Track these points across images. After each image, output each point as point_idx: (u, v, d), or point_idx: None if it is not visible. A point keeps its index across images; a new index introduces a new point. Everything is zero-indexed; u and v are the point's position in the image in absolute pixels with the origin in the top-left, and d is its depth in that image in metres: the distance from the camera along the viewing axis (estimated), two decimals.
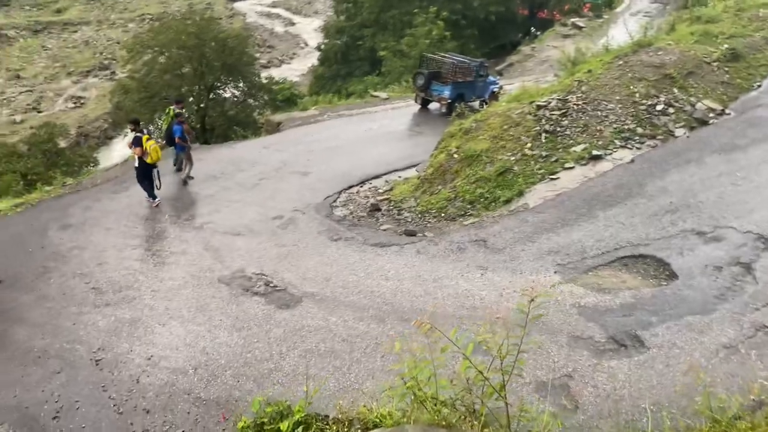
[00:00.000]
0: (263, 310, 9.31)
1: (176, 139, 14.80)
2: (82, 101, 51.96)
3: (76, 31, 65.07)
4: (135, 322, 9.13)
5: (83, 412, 7.38)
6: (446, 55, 24.72)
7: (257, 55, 40.79)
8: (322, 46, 48.07)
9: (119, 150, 33.35)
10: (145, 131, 13.67)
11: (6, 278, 10.35)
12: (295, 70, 53.86)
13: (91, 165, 30.79)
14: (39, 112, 49.23)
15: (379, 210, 13.24)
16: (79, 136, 44.68)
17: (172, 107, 15.75)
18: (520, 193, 12.50)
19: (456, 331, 3.83)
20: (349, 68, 43.12)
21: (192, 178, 15.08)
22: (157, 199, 13.67)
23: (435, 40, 34.27)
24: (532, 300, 4.03)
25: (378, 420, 3.93)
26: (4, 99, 51.67)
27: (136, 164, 13.28)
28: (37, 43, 61.63)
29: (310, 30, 64.28)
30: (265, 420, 4.19)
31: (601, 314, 8.53)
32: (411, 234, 11.91)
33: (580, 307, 8.73)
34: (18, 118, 47.86)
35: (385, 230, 12.24)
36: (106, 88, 46.68)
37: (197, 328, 8.93)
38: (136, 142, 13.11)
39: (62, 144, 36.07)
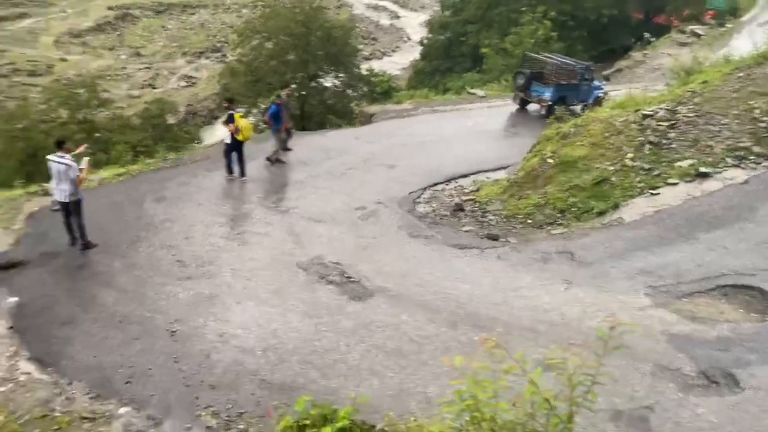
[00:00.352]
0: (336, 300, 9.28)
1: (266, 117, 15.28)
2: (193, 81, 54.58)
3: (194, 14, 68.57)
4: (213, 298, 9.36)
5: (154, 380, 7.63)
6: (550, 56, 23.82)
7: (360, 46, 41.27)
8: (425, 41, 47.90)
9: (223, 129, 34.71)
10: (238, 109, 14.10)
11: (102, 243, 10.91)
12: (396, 63, 54.01)
13: (196, 142, 32.29)
14: (154, 88, 52.16)
15: (462, 210, 12.92)
16: (188, 114, 47.01)
17: (280, 92, 16.26)
18: (616, 206, 11.80)
19: (523, 354, 3.53)
20: (449, 64, 42.71)
21: (283, 162, 15.41)
22: (233, 175, 14.20)
23: (540, 40, 33.19)
24: (613, 328, 3.65)
25: None
26: (125, 74, 55.14)
27: (228, 140, 13.83)
28: (158, 23, 65.47)
29: (415, 24, 64.25)
30: (308, 422, 4.05)
31: (693, 345, 7.86)
32: (494, 238, 11.52)
33: (670, 335, 8.08)
34: (135, 92, 50.93)
35: (466, 231, 11.92)
36: (216, 70, 48.82)
37: (271, 310, 9.03)
38: (230, 119, 13.68)
39: (171, 120, 38.05)
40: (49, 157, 10.50)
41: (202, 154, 16.46)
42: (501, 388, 3.70)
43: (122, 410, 7.19)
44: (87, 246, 10.80)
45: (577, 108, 21.23)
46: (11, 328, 8.60)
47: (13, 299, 9.21)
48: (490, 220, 12.55)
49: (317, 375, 7.68)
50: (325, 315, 8.89)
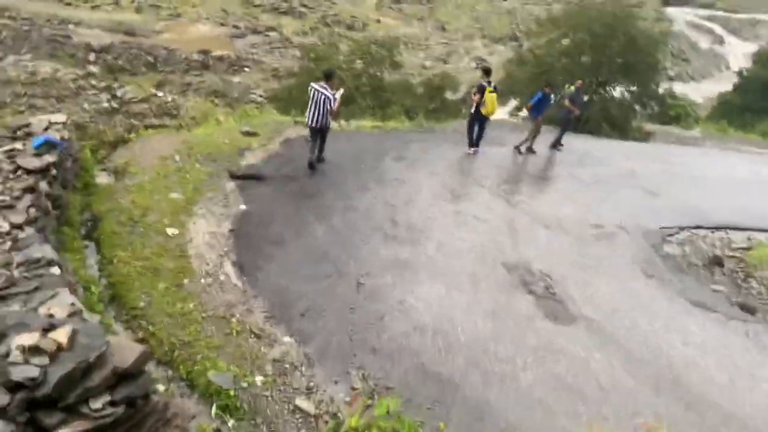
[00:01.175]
0: (529, 312, 8.34)
1: (527, 105, 14.72)
2: (483, 64, 55.40)
3: (505, 0, 69.21)
4: (409, 264, 9.10)
5: (324, 321, 7.63)
6: None
7: (667, 64, 37.38)
8: (744, 72, 41.56)
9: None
10: (492, 83, 13.58)
11: (334, 182, 11.40)
12: (703, 91, 48.02)
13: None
14: (445, 63, 54.14)
15: (720, 265, 10.71)
16: (467, 93, 47.84)
17: (570, 86, 15.74)
18: None
19: None
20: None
21: (533, 152, 14.67)
22: (473, 149, 14.10)
23: None
24: None
25: None
26: (425, 45, 58.21)
27: (473, 110, 13.68)
28: (469, 3, 67.46)
29: (739, 53, 56.36)
30: None
31: None
32: (749, 310, 9.32)
33: None
34: (428, 63, 53.47)
35: (715, 291, 9.83)
36: (507, 57, 48.87)
37: (458, 296, 8.46)
38: (480, 90, 13.45)
39: (449, 96, 39.09)
40: (313, 84, 11.31)
41: (455, 128, 16.30)
42: None
43: (286, 339, 7.33)
44: (320, 160, 11.91)
45: None
46: (232, 230, 9.38)
47: (243, 207, 10.06)
48: (752, 287, 10.19)
49: (478, 380, 6.95)
50: (512, 323, 8.04)
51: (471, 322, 7.91)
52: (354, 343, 7.35)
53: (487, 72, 13.99)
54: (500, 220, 10.95)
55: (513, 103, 27.77)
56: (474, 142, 14.12)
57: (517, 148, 14.75)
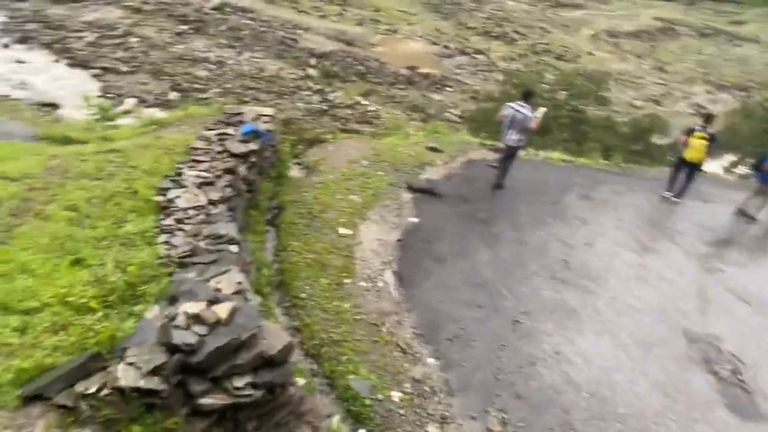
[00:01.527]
0: (707, 395, 7.27)
1: (764, 166, 12.73)
2: (703, 111, 50.66)
3: (739, 46, 62.75)
4: (573, 313, 8.44)
5: (471, 353, 7.34)
6: None
7: None
8: None
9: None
10: (708, 129, 12.20)
11: (508, 210, 11.02)
12: None
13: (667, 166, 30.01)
14: (658, 104, 50.32)
15: None
16: (677, 140, 44.07)
17: None
18: None
19: None
20: None
21: (753, 219, 12.83)
22: (669, 194, 13.00)
23: None
24: None
25: None
26: (637, 83, 54.72)
27: (679, 153, 12.69)
28: (696, 46, 62.20)
29: None
30: None
31: None
32: None
33: None
34: (638, 103, 50.12)
35: None
36: (733, 107, 44.13)
37: (624, 360, 7.64)
38: (688, 131, 12.59)
39: (656, 139, 36.17)
40: (510, 104, 11.07)
41: (656, 175, 14.91)
42: None
43: (430, 360, 7.16)
44: (500, 186, 11.70)
45: None
46: (399, 240, 9.46)
47: (414, 219, 10.10)
48: None
49: None
50: (684, 403, 7.06)
51: (634, 392, 7.09)
52: (499, 383, 6.97)
53: (707, 118, 12.66)
54: (690, 284, 9.72)
55: (729, 157, 24.94)
56: (677, 192, 12.80)
57: (740, 209, 12.93)
